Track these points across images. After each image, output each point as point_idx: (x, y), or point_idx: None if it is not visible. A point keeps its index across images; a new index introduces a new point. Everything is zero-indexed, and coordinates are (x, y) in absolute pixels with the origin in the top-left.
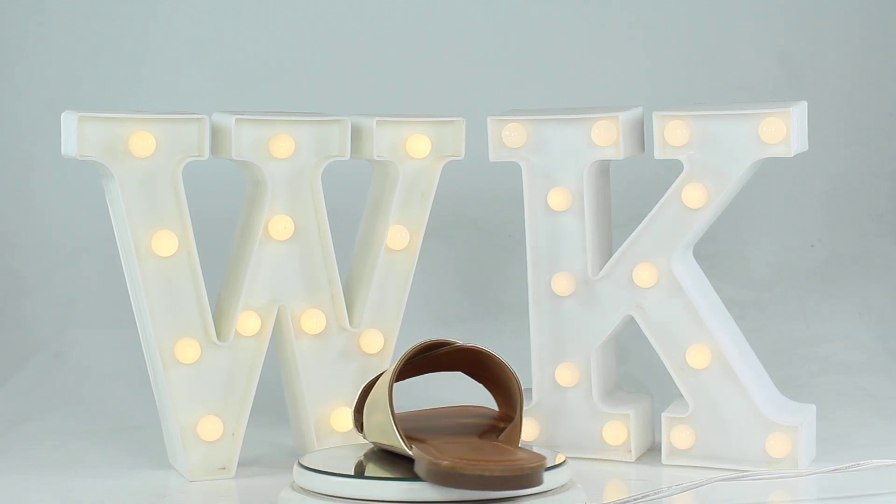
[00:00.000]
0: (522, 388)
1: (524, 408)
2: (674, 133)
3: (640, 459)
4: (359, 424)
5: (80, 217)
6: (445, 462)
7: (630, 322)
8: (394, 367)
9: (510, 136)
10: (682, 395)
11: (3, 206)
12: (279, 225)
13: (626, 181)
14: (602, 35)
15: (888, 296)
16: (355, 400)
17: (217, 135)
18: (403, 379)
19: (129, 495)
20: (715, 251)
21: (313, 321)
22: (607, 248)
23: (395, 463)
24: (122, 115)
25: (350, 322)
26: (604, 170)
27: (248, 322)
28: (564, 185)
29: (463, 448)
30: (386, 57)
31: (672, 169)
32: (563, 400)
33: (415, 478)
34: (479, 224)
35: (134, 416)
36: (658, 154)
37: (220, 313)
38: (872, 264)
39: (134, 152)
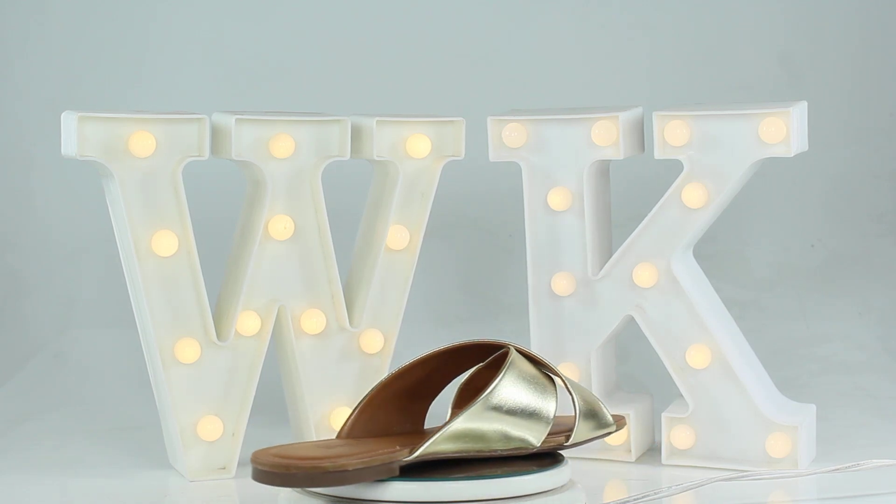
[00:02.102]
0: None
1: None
2: (674, 133)
3: (640, 459)
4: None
5: (80, 217)
6: (255, 457)
7: (630, 322)
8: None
9: (510, 136)
10: (682, 395)
11: (3, 206)
12: (279, 225)
13: (626, 181)
14: (602, 35)
15: (888, 296)
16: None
17: (217, 135)
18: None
19: (129, 495)
20: (715, 251)
21: (313, 321)
22: (607, 248)
23: None
24: (122, 115)
25: (350, 322)
26: (604, 170)
27: (248, 322)
28: (564, 185)
29: (353, 443)
30: (386, 57)
31: (672, 169)
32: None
33: (415, 477)
34: (479, 224)
35: (134, 416)
36: (658, 154)
37: (220, 313)
38: (872, 264)
39: (134, 152)
